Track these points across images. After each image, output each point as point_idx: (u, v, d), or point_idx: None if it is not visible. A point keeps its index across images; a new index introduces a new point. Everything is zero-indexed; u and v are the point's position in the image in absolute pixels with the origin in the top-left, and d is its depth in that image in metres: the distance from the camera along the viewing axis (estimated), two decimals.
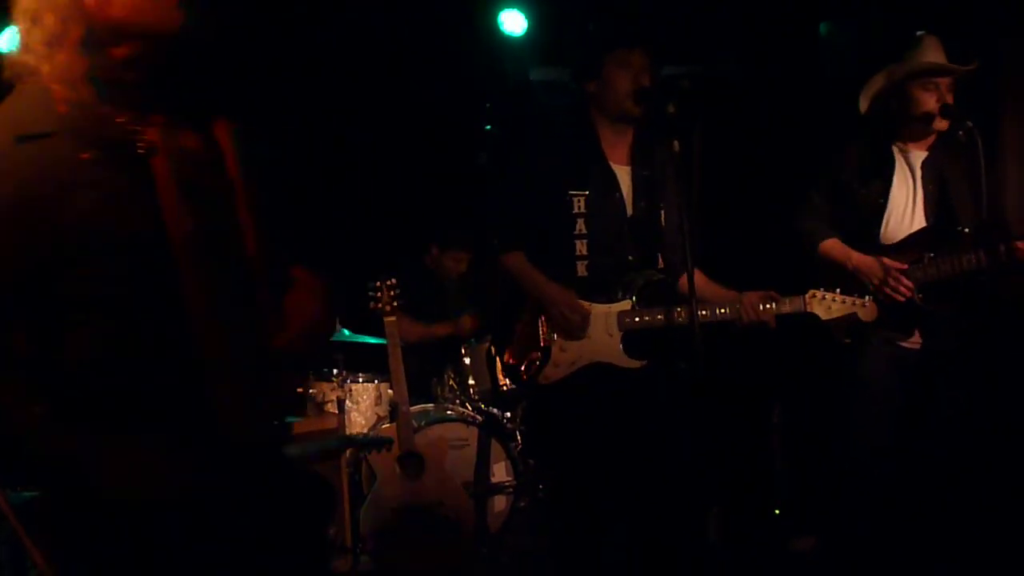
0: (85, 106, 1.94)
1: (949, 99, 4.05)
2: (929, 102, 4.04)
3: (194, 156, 2.08)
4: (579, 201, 3.77)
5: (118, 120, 1.98)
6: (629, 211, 3.84)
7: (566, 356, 3.77)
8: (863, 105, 4.22)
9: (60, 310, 1.93)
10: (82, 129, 1.93)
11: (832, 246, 4.19)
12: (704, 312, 3.68)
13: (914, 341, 4.11)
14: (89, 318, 1.94)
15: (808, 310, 3.78)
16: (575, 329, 3.74)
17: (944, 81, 4.06)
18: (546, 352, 3.79)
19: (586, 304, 3.76)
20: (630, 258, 3.82)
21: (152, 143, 2.01)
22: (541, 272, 3.78)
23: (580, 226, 3.77)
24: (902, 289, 3.99)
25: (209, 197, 2.07)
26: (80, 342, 1.94)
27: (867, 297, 3.82)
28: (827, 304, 3.78)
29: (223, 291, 2.03)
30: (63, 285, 1.92)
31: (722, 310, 3.74)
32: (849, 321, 3.83)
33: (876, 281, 4.01)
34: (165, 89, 2.07)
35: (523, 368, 3.85)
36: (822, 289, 3.79)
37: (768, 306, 3.75)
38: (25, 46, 1.96)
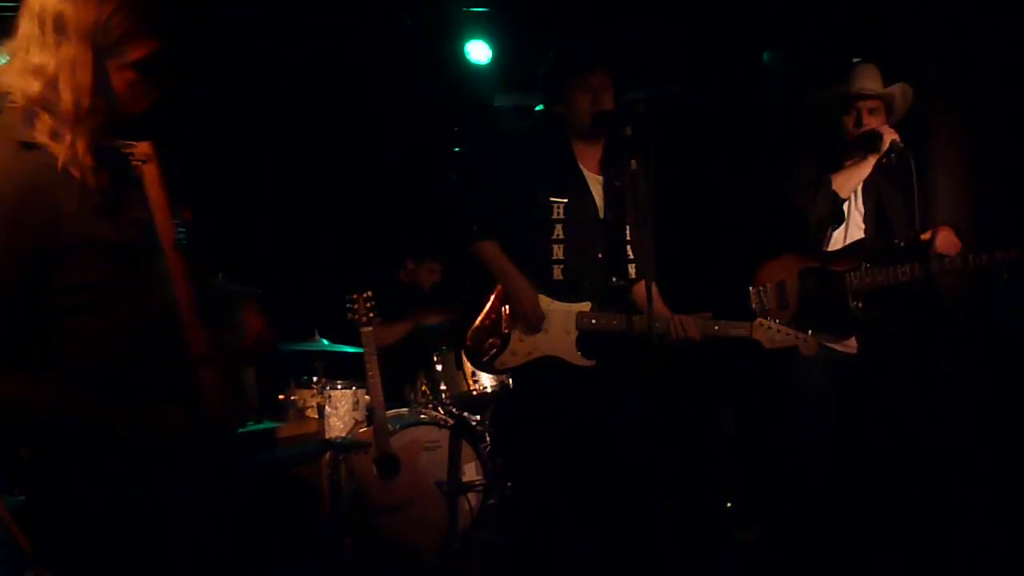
0: (86, 131, 2.01)
1: (873, 121, 4.08)
2: (849, 125, 4.10)
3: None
4: (559, 208, 3.80)
5: (109, 141, 2.07)
6: (601, 215, 3.87)
7: (523, 346, 3.79)
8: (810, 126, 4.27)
9: (57, 308, 1.97)
10: (80, 144, 1.99)
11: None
12: (634, 318, 3.73)
13: (850, 346, 4.14)
14: (86, 315, 1.99)
15: (752, 337, 3.80)
16: (530, 325, 3.76)
17: (868, 105, 4.10)
18: (506, 339, 3.80)
19: (549, 300, 3.78)
20: (600, 256, 3.84)
21: (146, 155, 2.11)
22: (513, 265, 3.79)
23: (558, 231, 3.79)
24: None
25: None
26: (78, 337, 1.99)
27: (809, 332, 3.83)
28: (771, 335, 3.79)
29: (197, 288, 2.12)
30: (61, 281, 1.96)
31: (656, 324, 3.72)
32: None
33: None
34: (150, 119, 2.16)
35: (482, 351, 3.86)
36: (768, 319, 3.81)
37: (713, 327, 3.77)
38: (20, 73, 2.00)
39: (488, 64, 6.45)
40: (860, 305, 4.05)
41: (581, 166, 3.89)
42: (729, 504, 5.38)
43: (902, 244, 4.00)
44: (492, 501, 5.51)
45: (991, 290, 4.52)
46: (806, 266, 4.13)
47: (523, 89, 6.50)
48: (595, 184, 3.89)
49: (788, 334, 3.80)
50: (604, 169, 3.92)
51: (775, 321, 3.82)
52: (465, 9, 6.19)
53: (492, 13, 6.22)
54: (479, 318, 3.93)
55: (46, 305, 1.96)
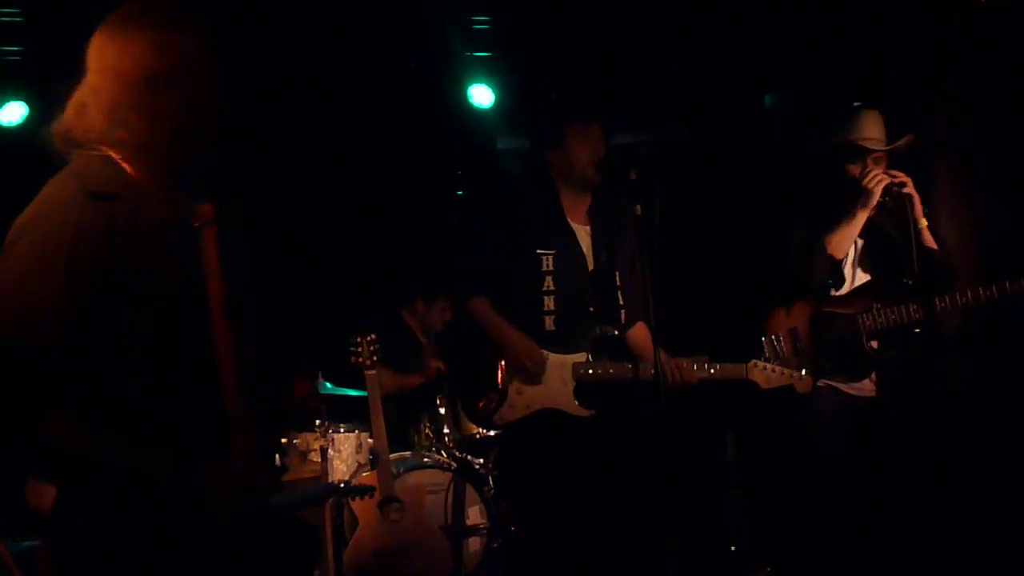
0: (152, 180, 2.03)
1: (878, 168, 4.06)
2: (855, 173, 4.07)
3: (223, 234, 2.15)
4: (548, 259, 3.80)
5: (175, 196, 2.06)
6: (590, 266, 3.85)
7: (522, 399, 3.78)
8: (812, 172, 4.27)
9: (102, 358, 1.97)
10: (146, 198, 2.02)
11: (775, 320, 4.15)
12: (630, 366, 3.73)
13: (863, 388, 4.10)
14: (129, 368, 1.98)
15: (749, 378, 3.79)
16: (531, 375, 3.75)
17: (874, 155, 4.07)
18: (504, 394, 3.80)
19: (544, 352, 3.76)
20: (591, 309, 3.82)
21: (205, 217, 2.10)
22: (505, 320, 3.76)
23: (548, 283, 3.80)
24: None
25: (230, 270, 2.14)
26: (121, 387, 1.98)
27: (803, 371, 3.83)
28: (767, 375, 3.79)
29: (242, 354, 2.10)
30: (108, 333, 1.96)
31: (653, 370, 3.72)
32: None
33: None
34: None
35: (481, 407, 3.86)
36: (763, 360, 3.81)
37: (709, 370, 3.75)
38: (89, 122, 2.03)
39: (491, 108, 6.50)
40: (875, 346, 4.03)
41: (568, 217, 3.90)
42: (734, 548, 5.36)
43: (910, 283, 3.96)
44: (496, 544, 5.46)
45: (994, 326, 4.53)
46: (817, 312, 4.11)
47: (525, 133, 6.54)
48: (583, 235, 3.91)
49: (783, 373, 3.81)
50: (592, 219, 3.92)
51: (769, 362, 3.80)
52: (468, 54, 6.24)
53: (495, 57, 6.27)
54: (476, 375, 3.91)
55: (94, 353, 1.96)
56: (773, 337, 4.11)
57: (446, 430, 5.73)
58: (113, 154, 2.04)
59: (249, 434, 2.06)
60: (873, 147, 4.06)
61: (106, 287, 1.95)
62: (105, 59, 2.03)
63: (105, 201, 1.99)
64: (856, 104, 4.22)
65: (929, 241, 3.98)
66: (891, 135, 4.12)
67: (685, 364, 3.72)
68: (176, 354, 2.02)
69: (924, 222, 3.97)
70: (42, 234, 1.95)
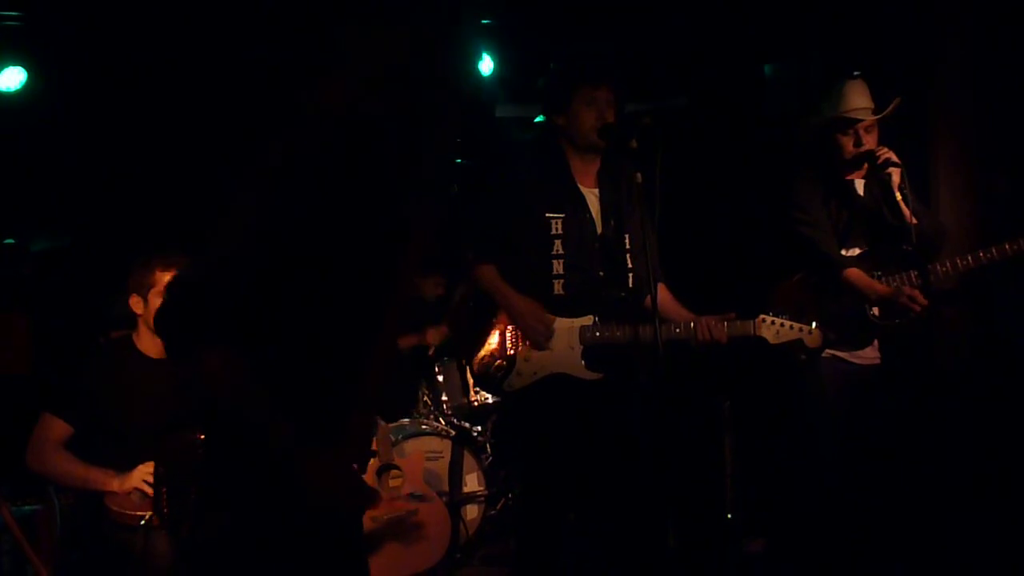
0: None
1: (870, 139, 4.07)
2: (848, 145, 4.09)
3: None
4: (557, 223, 3.77)
5: None
6: (599, 231, 3.84)
7: (529, 366, 3.76)
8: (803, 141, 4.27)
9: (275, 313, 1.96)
10: None
11: (856, 275, 4.10)
12: (640, 329, 3.68)
13: (863, 357, 4.11)
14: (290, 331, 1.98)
15: (757, 333, 3.73)
16: (540, 341, 3.73)
17: (863, 124, 4.08)
18: (511, 361, 3.78)
19: (552, 318, 3.75)
20: (600, 274, 3.81)
21: None
22: (512, 286, 3.77)
23: (557, 247, 3.76)
24: (916, 308, 3.96)
25: None
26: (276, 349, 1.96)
27: (813, 324, 3.78)
28: (775, 329, 3.73)
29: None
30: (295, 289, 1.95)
31: (677, 329, 3.73)
32: (797, 345, 3.81)
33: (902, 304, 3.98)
34: None
35: (489, 375, 3.84)
36: (771, 314, 3.75)
37: (721, 326, 3.72)
38: None
39: (490, 75, 6.46)
40: (876, 313, 4.03)
41: (577, 181, 3.87)
42: (729, 515, 5.38)
43: (909, 249, 3.96)
44: (494, 512, 5.52)
45: (991, 299, 4.53)
46: (820, 282, 4.11)
47: (525, 100, 6.51)
48: (591, 199, 3.87)
49: (792, 327, 3.74)
50: (600, 183, 3.90)
51: (777, 315, 3.78)
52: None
53: (494, 25, 6.22)
54: (483, 342, 3.90)
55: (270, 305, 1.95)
56: (777, 310, 4.09)
57: (444, 397, 5.74)
58: None
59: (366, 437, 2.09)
60: (861, 116, 4.06)
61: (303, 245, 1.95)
62: None
63: None
64: (842, 76, 4.21)
65: (906, 215, 3.97)
66: (888, 104, 4.12)
67: (714, 322, 3.71)
68: (340, 333, 2.02)
69: (899, 195, 3.97)
70: None
